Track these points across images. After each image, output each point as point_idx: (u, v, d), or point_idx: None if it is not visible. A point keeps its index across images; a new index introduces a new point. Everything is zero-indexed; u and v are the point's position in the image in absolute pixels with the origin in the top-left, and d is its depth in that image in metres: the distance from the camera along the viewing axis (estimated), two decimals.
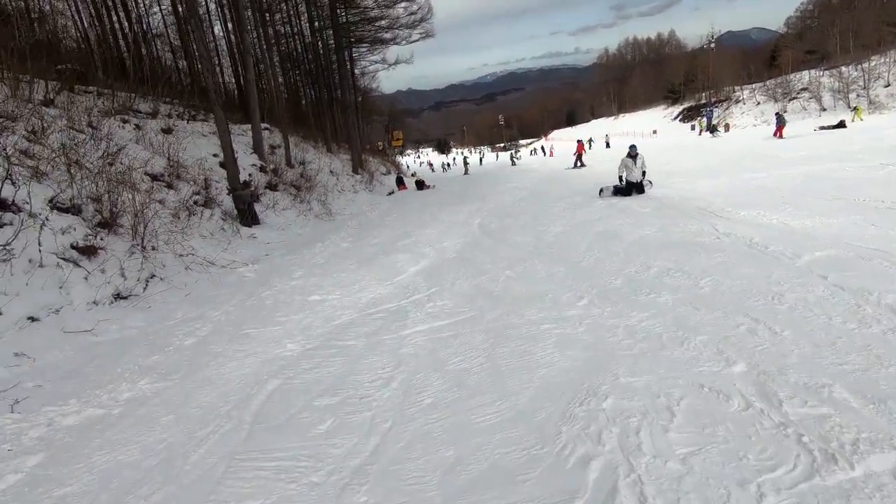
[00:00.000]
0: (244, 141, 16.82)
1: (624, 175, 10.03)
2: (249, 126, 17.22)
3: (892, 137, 14.02)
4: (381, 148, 48.12)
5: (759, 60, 70.04)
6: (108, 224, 7.00)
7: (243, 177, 13.28)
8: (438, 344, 3.56)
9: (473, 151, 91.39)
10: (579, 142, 26.39)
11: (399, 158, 52.84)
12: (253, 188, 13.04)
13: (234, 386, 3.29)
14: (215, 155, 13.67)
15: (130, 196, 7.51)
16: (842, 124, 26.10)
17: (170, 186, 10.35)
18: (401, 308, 4.55)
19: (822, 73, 48.07)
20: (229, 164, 11.87)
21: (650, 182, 10.26)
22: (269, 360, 3.65)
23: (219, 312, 5.29)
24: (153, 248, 7.47)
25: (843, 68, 43.38)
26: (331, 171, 21.43)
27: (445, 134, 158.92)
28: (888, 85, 39.99)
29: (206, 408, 3.03)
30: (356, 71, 40.00)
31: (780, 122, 23.71)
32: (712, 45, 58.40)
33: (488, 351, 3.31)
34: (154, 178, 10.09)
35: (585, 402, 2.53)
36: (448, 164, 55.06)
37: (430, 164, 57.24)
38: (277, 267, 7.64)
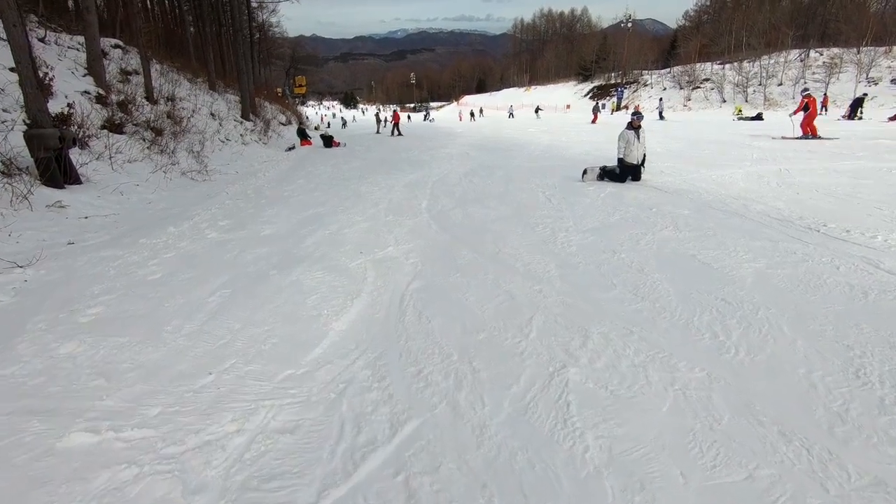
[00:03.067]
0: (76, 57, 11.73)
1: (623, 154, 7.46)
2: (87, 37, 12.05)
3: (840, 133, 13.17)
4: (280, 94, 41.98)
5: (657, 49, 72.80)
6: None
7: (58, 107, 8.71)
8: None
9: (383, 108, 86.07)
10: (395, 112, 29.02)
11: (301, 108, 46.65)
12: (73, 127, 8.58)
13: None
14: (14, 69, 8.82)
15: None
16: (759, 116, 26.64)
17: None
18: None
19: (723, 66, 50.33)
20: (26, 82, 7.41)
21: (643, 166, 7.83)
22: None
23: None
24: None
25: (746, 63, 45.50)
26: (211, 114, 16.68)
27: (353, 88, 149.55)
28: (781, 84, 42.62)
29: None
30: (253, 2, 33.62)
31: (596, 111, 30.97)
32: (629, 25, 58.76)
33: None
34: None
35: None
36: (346, 120, 48.78)
37: (324, 119, 50.10)
38: (69, 282, 3.98)
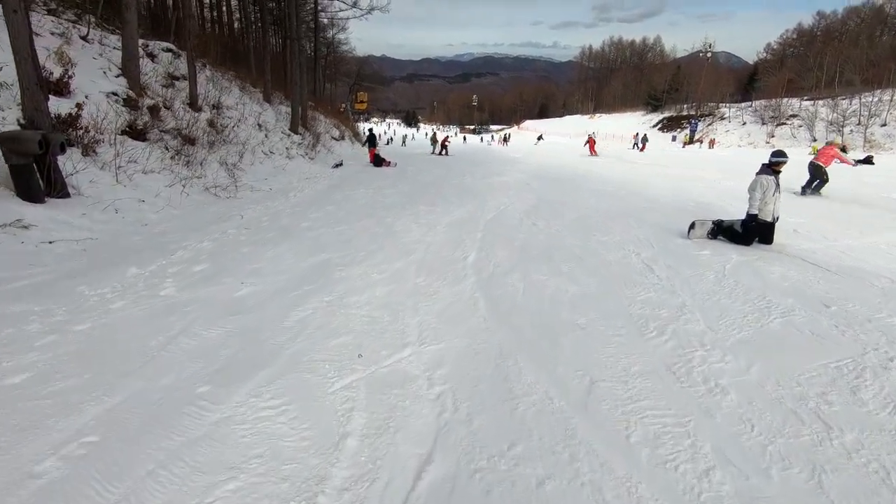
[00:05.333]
0: (114, 57, 10.95)
1: (758, 208, 5.37)
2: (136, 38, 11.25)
3: None
4: (342, 110, 41.92)
5: (735, 82, 68.26)
6: None
7: (66, 108, 7.66)
8: None
9: (440, 129, 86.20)
10: (446, 136, 28.76)
11: (362, 125, 46.49)
12: (79, 130, 7.49)
13: None
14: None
15: None
16: (868, 160, 23.14)
17: None
18: None
19: (813, 102, 45.98)
20: (25, 77, 6.37)
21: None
22: None
23: None
24: None
25: (843, 101, 41.08)
26: (258, 125, 15.78)
27: (415, 107, 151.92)
28: (885, 124, 38.00)
29: None
30: (323, 19, 33.79)
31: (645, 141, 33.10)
32: (708, 55, 55.31)
33: None
34: None
35: None
36: (405, 138, 48.62)
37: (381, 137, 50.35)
38: None
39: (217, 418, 2.15)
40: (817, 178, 9.95)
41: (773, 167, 5.40)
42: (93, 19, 13.16)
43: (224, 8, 29.25)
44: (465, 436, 2.06)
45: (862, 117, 38.93)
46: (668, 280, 4.17)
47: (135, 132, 9.03)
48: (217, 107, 14.04)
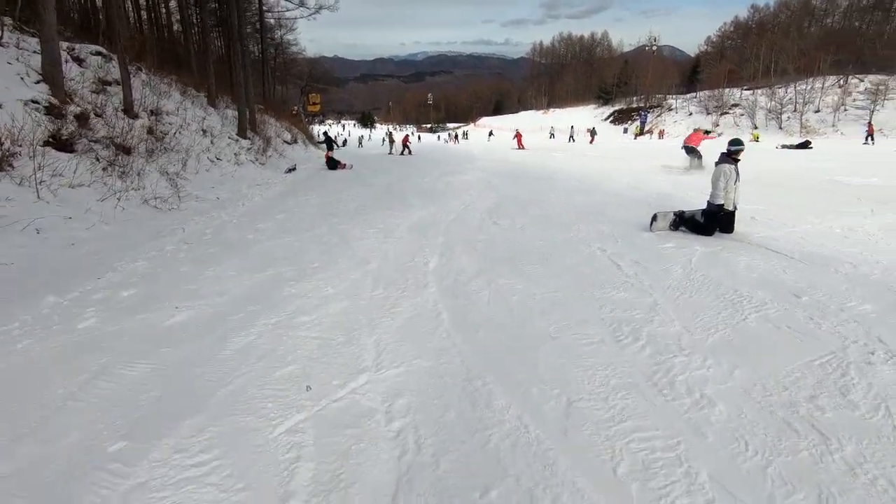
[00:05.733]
0: (31, 61, 10.00)
1: (721, 198, 5.31)
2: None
3: None
4: (294, 112, 40.69)
5: (679, 74, 70.71)
6: None
7: None
8: None
9: (398, 128, 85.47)
10: (406, 136, 29.93)
11: (316, 127, 45.33)
12: None
13: None
14: None
15: None
16: (807, 144, 24.36)
17: None
18: None
19: (752, 92, 48.12)
20: None
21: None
22: None
23: None
24: None
25: (779, 90, 43.16)
26: (203, 130, 14.93)
27: (371, 108, 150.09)
28: (818, 111, 40.17)
29: None
30: (270, 19, 32.78)
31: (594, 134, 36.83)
32: (654, 49, 56.99)
33: None
34: None
35: None
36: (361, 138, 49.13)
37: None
38: None
39: (130, 486, 1.77)
40: (692, 154, 12.87)
41: (731, 156, 5.38)
42: (9, 21, 12.10)
43: (162, 9, 27.76)
44: (431, 483, 1.77)
45: (797, 104, 41.04)
46: (636, 277, 4.01)
47: (59, 143, 8.26)
48: (156, 112, 13.18)
